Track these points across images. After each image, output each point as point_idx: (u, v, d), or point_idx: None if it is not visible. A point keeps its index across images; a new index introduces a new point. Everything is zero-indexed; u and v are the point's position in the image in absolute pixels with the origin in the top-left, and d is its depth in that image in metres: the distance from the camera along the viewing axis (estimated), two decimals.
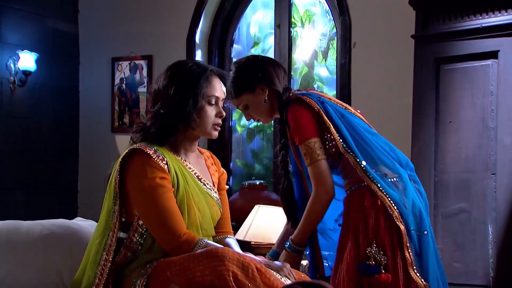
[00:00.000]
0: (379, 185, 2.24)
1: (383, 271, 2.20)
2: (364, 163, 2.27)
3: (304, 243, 2.40)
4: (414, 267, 2.19)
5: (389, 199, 2.23)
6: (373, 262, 2.21)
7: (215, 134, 2.30)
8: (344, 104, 2.49)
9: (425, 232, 2.25)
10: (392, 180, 2.28)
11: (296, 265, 2.41)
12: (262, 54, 4.14)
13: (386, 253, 2.21)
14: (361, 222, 2.25)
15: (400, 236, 2.21)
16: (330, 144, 2.34)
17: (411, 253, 2.20)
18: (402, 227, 2.21)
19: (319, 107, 2.34)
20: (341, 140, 2.30)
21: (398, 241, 2.21)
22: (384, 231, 2.22)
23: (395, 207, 2.22)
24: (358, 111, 2.50)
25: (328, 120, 2.32)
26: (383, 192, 2.23)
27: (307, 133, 2.32)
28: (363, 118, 2.47)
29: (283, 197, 2.54)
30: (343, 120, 2.35)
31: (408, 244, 2.20)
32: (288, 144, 2.44)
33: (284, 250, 2.43)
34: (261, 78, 2.45)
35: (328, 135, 2.34)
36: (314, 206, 2.32)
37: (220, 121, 2.29)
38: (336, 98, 3.04)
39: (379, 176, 2.27)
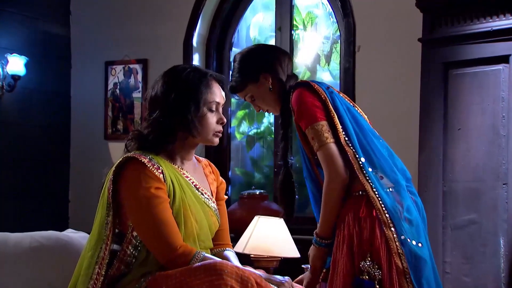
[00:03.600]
0: (373, 185, 2.19)
1: (378, 286, 2.13)
2: (363, 159, 2.23)
3: (329, 235, 2.31)
4: (407, 277, 2.11)
5: (380, 201, 2.16)
6: (367, 277, 2.14)
7: (216, 141, 2.31)
8: (352, 101, 2.46)
9: (420, 245, 2.18)
10: (388, 189, 2.22)
11: (324, 260, 2.35)
12: None
13: (381, 267, 2.13)
14: (356, 235, 2.19)
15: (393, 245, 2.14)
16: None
17: (403, 262, 2.12)
18: (389, 233, 2.14)
19: (326, 96, 2.30)
20: (343, 133, 2.26)
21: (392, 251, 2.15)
22: (379, 243, 2.15)
23: (386, 211, 2.16)
24: (363, 113, 2.48)
25: (333, 110, 2.28)
26: (375, 193, 2.17)
27: (314, 116, 2.27)
28: (368, 120, 2.44)
29: (281, 188, 2.49)
30: (349, 114, 2.32)
31: (400, 251, 2.13)
32: (289, 135, 2.42)
33: (312, 245, 2.36)
34: (263, 67, 2.44)
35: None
36: (329, 191, 2.25)
37: (221, 127, 2.30)
38: None
39: (375, 177, 2.21)
